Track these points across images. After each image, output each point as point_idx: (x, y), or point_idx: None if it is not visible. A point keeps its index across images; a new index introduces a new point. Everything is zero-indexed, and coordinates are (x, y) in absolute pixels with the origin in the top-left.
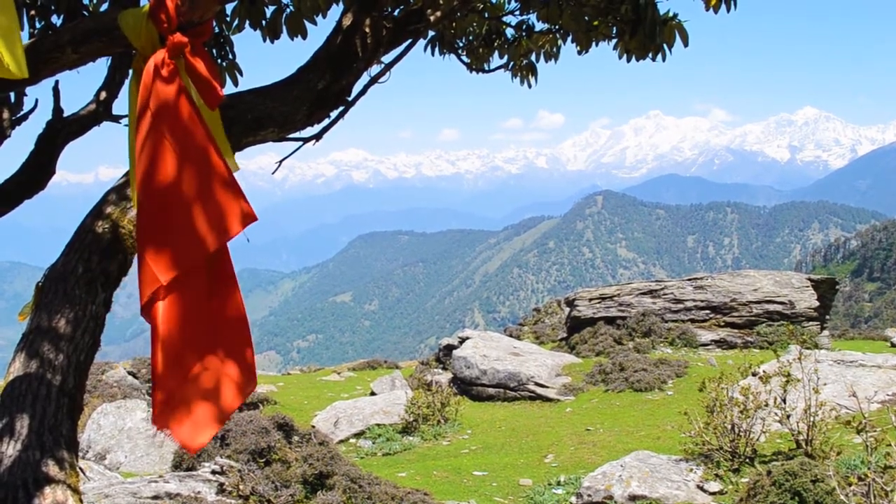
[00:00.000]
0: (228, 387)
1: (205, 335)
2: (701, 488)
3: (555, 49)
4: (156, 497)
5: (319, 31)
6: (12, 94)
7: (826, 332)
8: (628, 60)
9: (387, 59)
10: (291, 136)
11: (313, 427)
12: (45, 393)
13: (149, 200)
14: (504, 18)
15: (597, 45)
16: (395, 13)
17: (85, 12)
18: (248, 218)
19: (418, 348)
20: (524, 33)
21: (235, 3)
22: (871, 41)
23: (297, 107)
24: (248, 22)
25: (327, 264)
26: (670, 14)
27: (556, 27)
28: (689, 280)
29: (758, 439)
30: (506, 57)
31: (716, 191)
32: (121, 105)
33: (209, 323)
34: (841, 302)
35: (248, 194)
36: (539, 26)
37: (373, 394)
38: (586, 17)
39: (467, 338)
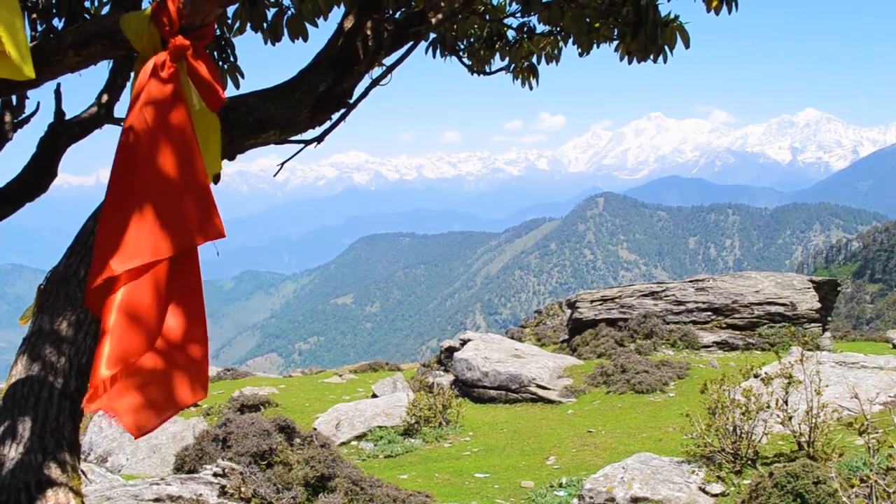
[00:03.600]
0: (174, 385)
1: (156, 336)
2: (703, 490)
3: (556, 51)
4: (157, 500)
5: (321, 33)
6: (14, 97)
7: (828, 334)
8: (629, 62)
9: (388, 61)
10: (293, 138)
11: (315, 429)
12: (47, 395)
13: (118, 190)
14: (505, 20)
15: (598, 46)
16: (397, 15)
17: (86, 15)
18: (215, 232)
19: (420, 350)
20: (525, 35)
21: (237, 5)
22: (873, 42)
23: (298, 109)
24: (249, 24)
25: (329, 266)
26: (671, 16)
27: (558, 29)
28: (691, 282)
29: (759, 441)
30: (507, 59)
31: (717, 192)
32: (122, 108)
33: (162, 325)
34: (842, 303)
35: (250, 196)
36: (540, 28)
37: (374, 396)
38: (587, 19)
39: (469, 340)
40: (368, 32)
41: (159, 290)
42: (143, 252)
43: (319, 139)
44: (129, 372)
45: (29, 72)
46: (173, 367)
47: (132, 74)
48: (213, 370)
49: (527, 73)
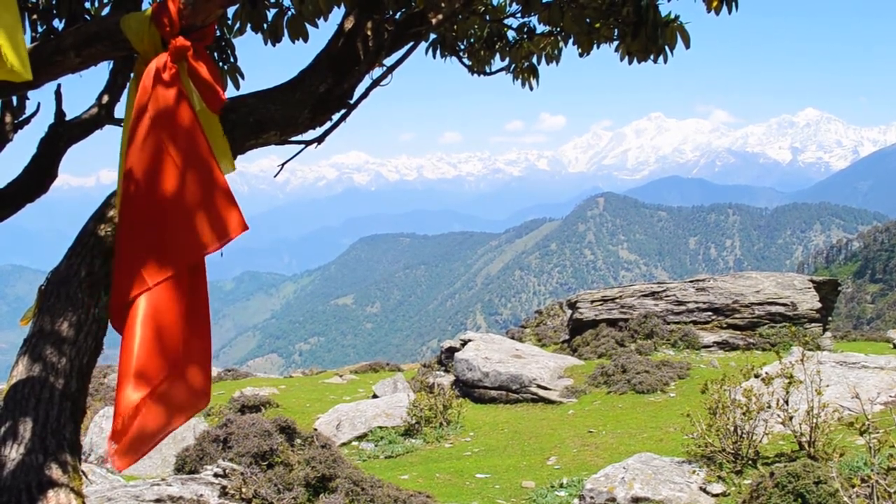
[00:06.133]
0: (179, 406)
1: (175, 350)
2: (704, 490)
3: (556, 51)
4: (158, 500)
5: (321, 34)
6: (14, 98)
7: (828, 334)
8: (630, 62)
9: (388, 61)
10: (293, 139)
11: (315, 430)
12: (48, 396)
13: (138, 203)
14: (505, 21)
15: (598, 47)
16: (397, 16)
17: (87, 16)
18: (240, 227)
19: (420, 351)
20: (525, 35)
21: (237, 6)
22: (873, 42)
23: (299, 110)
24: (249, 25)
25: (329, 267)
26: (672, 16)
27: (558, 29)
28: (691, 282)
29: (760, 441)
30: (507, 59)
31: (717, 192)
32: (123, 109)
33: (181, 337)
34: (843, 303)
35: (250, 197)
36: (540, 28)
37: (375, 396)
38: (588, 20)
39: (469, 340)
40: (369, 33)
41: (181, 299)
42: (176, 259)
43: (320, 140)
44: (152, 396)
45: (27, 74)
46: (185, 378)
47: (132, 75)
48: (213, 371)
49: (527, 74)
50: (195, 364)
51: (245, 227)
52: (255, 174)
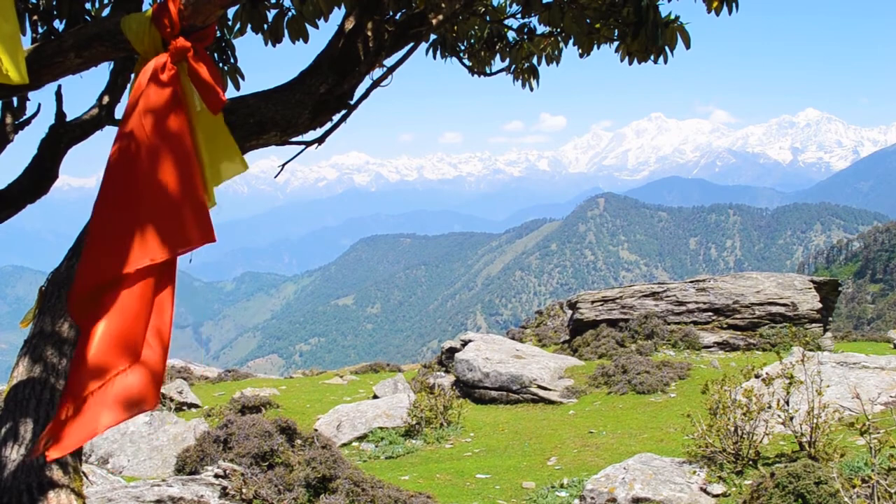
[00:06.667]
0: (125, 403)
1: (132, 346)
2: (704, 490)
3: (556, 52)
4: (159, 501)
5: (321, 34)
6: (15, 99)
7: (829, 334)
8: (630, 63)
9: (389, 62)
10: (294, 139)
11: (316, 430)
12: (49, 397)
13: (112, 194)
14: (506, 21)
15: (598, 47)
16: (397, 17)
17: (87, 17)
18: (206, 238)
19: (420, 351)
20: (526, 36)
21: (237, 6)
22: (873, 42)
23: (299, 110)
24: (249, 26)
25: (329, 267)
26: (672, 16)
27: (558, 30)
28: (692, 282)
29: (761, 441)
30: (507, 60)
31: (718, 193)
32: (123, 109)
33: (140, 335)
34: (843, 304)
35: (251, 197)
36: (541, 29)
37: (375, 397)
38: (588, 20)
39: (470, 340)
40: (369, 34)
41: (145, 298)
42: (139, 256)
43: (320, 140)
44: (102, 389)
45: (23, 78)
46: (138, 375)
47: (133, 76)
48: (214, 371)
49: (527, 74)
50: (150, 363)
51: (212, 239)
52: (255, 175)
